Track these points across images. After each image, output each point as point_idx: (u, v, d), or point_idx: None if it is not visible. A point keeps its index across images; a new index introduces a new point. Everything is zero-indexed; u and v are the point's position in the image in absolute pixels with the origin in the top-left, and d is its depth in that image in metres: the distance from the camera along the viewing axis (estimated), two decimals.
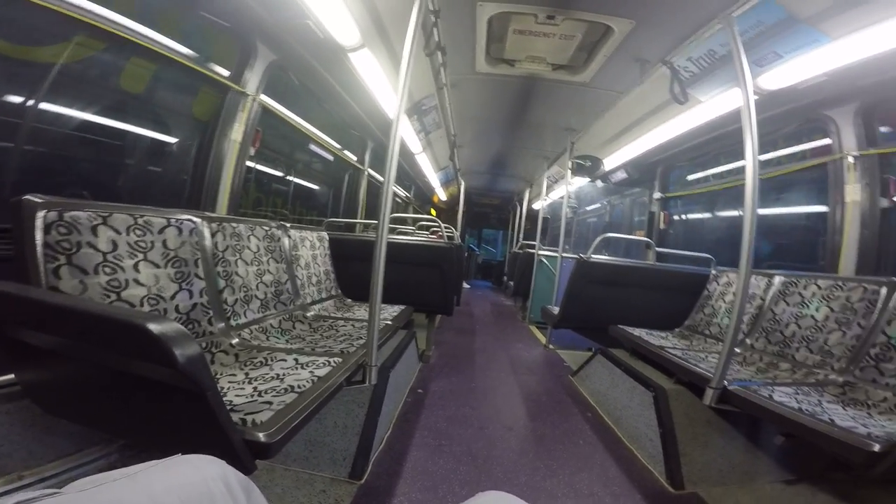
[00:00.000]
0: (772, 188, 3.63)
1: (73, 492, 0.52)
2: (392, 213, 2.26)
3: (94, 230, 1.34)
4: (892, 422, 1.63)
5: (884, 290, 2.07)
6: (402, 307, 3.12)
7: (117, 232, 1.42)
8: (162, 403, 1.08)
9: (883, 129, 2.65)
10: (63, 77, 1.80)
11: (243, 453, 1.04)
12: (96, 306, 1.16)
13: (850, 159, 2.67)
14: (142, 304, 1.46)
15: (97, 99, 2.02)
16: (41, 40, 1.72)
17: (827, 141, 2.89)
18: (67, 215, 1.27)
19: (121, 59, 2.06)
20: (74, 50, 1.82)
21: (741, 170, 3.98)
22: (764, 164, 3.61)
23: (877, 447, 1.29)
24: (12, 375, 1.34)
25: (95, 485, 0.53)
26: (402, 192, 8.37)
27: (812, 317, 2.35)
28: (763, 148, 3.57)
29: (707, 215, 4.94)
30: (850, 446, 1.35)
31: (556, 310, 3.85)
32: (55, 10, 1.62)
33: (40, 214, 1.21)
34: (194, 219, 1.80)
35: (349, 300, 3.25)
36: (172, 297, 1.60)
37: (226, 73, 2.53)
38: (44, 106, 1.77)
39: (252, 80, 2.61)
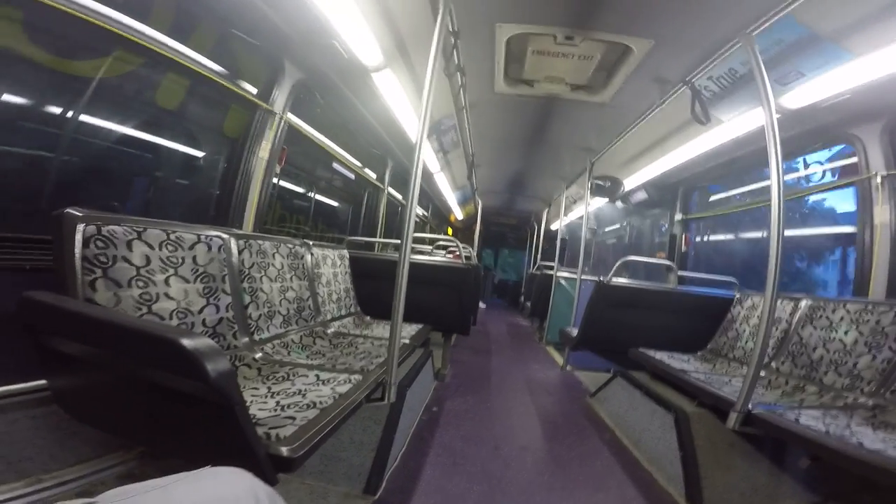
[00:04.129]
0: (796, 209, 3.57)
1: (105, 502, 0.53)
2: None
3: (129, 245, 1.39)
4: None
5: None
6: (420, 326, 3.12)
7: (151, 247, 1.47)
8: (188, 414, 1.11)
9: None
10: (101, 91, 1.87)
11: (266, 467, 1.05)
12: (131, 320, 1.20)
13: (879, 179, 2.61)
14: (171, 318, 1.50)
15: (134, 113, 2.10)
16: (82, 54, 1.79)
17: (854, 160, 2.83)
18: (105, 229, 1.33)
19: (157, 74, 2.14)
20: (113, 64, 1.89)
21: (765, 190, 3.92)
22: (789, 185, 3.56)
23: None
24: (43, 381, 1.38)
25: (128, 496, 0.54)
26: (420, 211, 8.44)
27: (840, 340, 2.27)
28: (788, 168, 3.55)
29: (730, 237, 4.86)
30: (879, 468, 1.31)
31: (574, 332, 3.80)
32: (96, 24, 1.68)
33: (80, 228, 1.26)
34: (223, 235, 1.85)
35: (368, 317, 3.27)
36: (200, 312, 1.64)
37: (254, 90, 2.61)
38: (83, 118, 1.85)
39: (279, 98, 2.67)
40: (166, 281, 1.50)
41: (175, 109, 2.30)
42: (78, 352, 1.16)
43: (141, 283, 1.40)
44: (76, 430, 1.44)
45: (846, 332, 2.26)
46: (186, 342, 0.91)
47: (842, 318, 2.32)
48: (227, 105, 2.57)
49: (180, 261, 1.58)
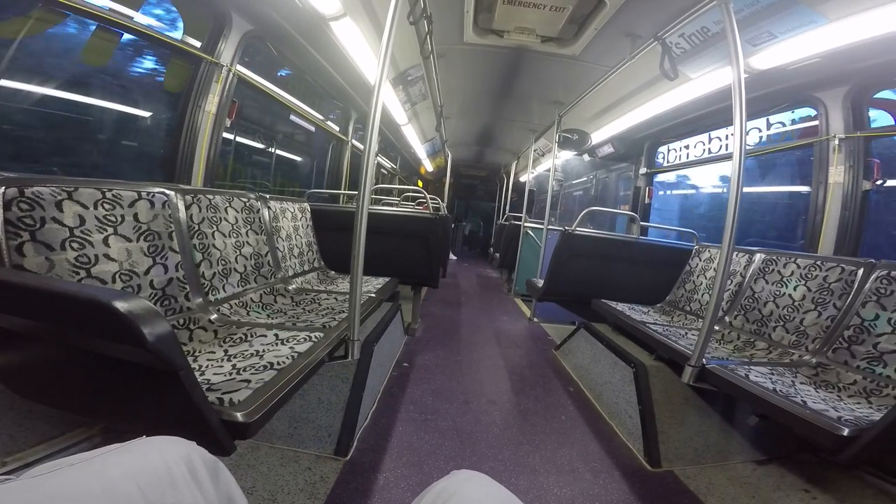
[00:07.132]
0: (755, 166, 3.65)
1: (28, 478, 0.50)
2: (377, 183, 2.21)
3: (58, 205, 1.27)
4: (860, 406, 1.64)
5: (860, 272, 2.07)
6: (387, 279, 3.08)
7: (84, 207, 1.35)
8: (137, 385, 1.05)
9: (872, 112, 2.63)
10: (23, 53, 1.74)
11: (221, 434, 1.02)
12: (60, 284, 1.11)
13: (836, 141, 2.67)
14: (114, 281, 1.41)
15: (61, 73, 1.96)
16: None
17: (815, 122, 2.88)
18: (29, 191, 1.20)
19: (83, 32, 1.98)
20: (34, 25, 1.75)
21: (727, 147, 3.98)
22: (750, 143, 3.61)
23: (846, 431, 1.30)
24: None
25: (51, 470, 0.51)
26: (387, 163, 8.22)
27: (790, 296, 2.35)
28: (751, 126, 3.59)
29: (692, 191, 4.96)
30: (821, 429, 1.35)
31: (540, 283, 3.86)
32: None
33: None
34: (167, 191, 1.73)
35: (332, 272, 3.21)
36: (146, 273, 1.54)
37: (197, 43, 2.42)
38: (4, 83, 1.73)
39: (227, 50, 2.50)
40: (105, 241, 1.40)
41: (108, 67, 2.14)
42: (11, 324, 1.07)
43: (76, 245, 1.30)
44: (31, 409, 1.36)
45: (795, 288, 2.34)
46: (119, 304, 0.84)
47: (792, 273, 2.39)
48: (166, 60, 2.40)
49: (119, 219, 1.47)
